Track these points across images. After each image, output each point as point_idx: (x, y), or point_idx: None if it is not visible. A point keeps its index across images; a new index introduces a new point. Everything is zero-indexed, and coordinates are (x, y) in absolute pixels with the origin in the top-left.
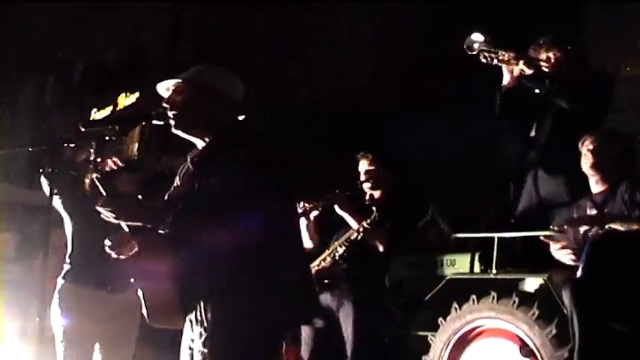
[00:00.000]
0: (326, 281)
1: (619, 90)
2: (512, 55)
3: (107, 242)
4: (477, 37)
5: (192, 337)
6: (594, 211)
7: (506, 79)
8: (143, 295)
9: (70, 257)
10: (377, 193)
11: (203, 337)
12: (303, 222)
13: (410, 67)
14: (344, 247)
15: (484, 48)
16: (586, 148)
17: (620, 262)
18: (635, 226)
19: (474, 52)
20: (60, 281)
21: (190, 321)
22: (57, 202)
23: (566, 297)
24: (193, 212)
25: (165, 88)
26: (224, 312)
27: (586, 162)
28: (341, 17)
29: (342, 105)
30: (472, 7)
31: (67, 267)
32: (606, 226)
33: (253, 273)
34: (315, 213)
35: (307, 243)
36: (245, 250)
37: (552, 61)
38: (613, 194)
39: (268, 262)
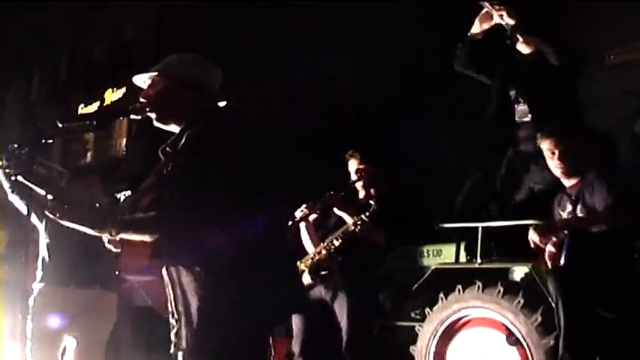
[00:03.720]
0: (323, 273)
1: (605, 78)
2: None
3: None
4: None
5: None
6: (570, 206)
7: (476, 28)
8: (143, 289)
9: (42, 260)
10: (371, 192)
11: (175, 329)
12: (303, 226)
13: (400, 68)
14: (340, 240)
15: None
16: (549, 150)
17: (601, 250)
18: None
19: None
20: (36, 285)
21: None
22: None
23: (550, 286)
24: (154, 204)
25: (142, 81)
26: (198, 306)
27: (553, 165)
28: (333, 17)
29: (330, 105)
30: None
31: (40, 271)
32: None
33: (223, 265)
34: (313, 216)
35: (309, 247)
36: (208, 238)
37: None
38: (584, 186)
39: (242, 255)
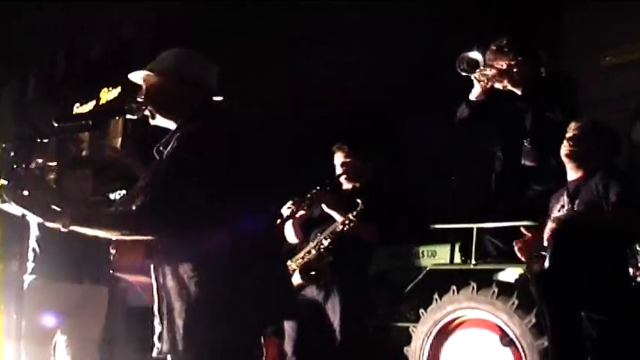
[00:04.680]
0: (312, 273)
1: (600, 79)
2: (496, 72)
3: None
4: (476, 56)
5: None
6: (566, 199)
7: (476, 92)
8: (140, 287)
9: (33, 253)
10: (355, 185)
11: (158, 333)
12: (288, 222)
13: (397, 65)
14: (329, 240)
15: (481, 69)
16: (567, 134)
17: (586, 250)
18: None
19: (468, 73)
20: (27, 277)
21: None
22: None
23: (534, 289)
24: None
25: (139, 77)
26: (184, 309)
27: (563, 149)
28: (327, 15)
29: (325, 102)
30: (455, 2)
31: (31, 263)
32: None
33: (211, 267)
34: (301, 212)
35: (293, 239)
36: (197, 239)
37: (515, 67)
38: (586, 182)
39: (234, 255)
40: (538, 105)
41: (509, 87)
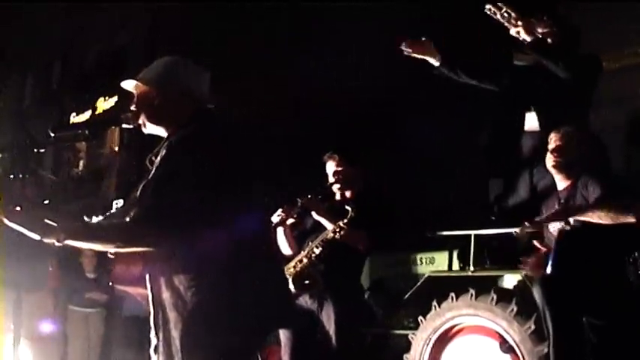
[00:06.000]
0: (305, 282)
1: (599, 83)
2: (515, 15)
3: None
4: None
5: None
6: (558, 207)
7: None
8: (139, 296)
9: None
10: (348, 193)
11: (154, 345)
12: (280, 230)
13: (389, 64)
14: (320, 248)
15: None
16: (550, 145)
17: (586, 256)
18: (594, 217)
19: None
20: None
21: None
22: None
23: (536, 295)
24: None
25: (131, 86)
26: (181, 320)
27: (548, 161)
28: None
29: (310, 106)
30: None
31: None
32: (571, 220)
33: (207, 277)
34: (291, 221)
35: (286, 250)
36: (190, 248)
37: (547, 35)
38: (575, 190)
39: (230, 264)
40: (545, 55)
41: (523, 34)
